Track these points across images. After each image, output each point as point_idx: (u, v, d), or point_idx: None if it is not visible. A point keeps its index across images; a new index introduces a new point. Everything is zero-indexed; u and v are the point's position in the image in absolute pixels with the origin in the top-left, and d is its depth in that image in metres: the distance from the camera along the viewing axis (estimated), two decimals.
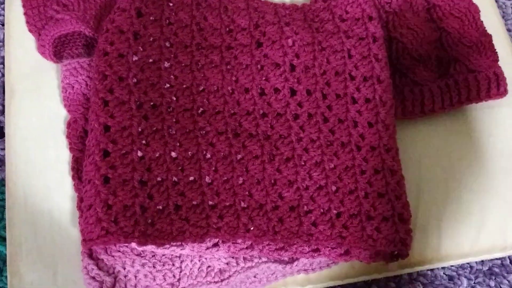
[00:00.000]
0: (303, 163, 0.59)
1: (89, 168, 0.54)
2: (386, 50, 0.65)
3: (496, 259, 0.66)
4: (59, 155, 0.62)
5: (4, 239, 0.60)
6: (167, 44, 0.61)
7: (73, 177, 0.59)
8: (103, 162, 0.53)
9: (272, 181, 0.58)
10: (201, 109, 0.60)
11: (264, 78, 0.62)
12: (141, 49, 0.59)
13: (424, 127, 0.68)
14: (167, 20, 0.62)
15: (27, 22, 0.66)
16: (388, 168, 0.60)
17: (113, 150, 0.54)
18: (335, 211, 0.58)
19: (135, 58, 0.59)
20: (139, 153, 0.55)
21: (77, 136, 0.60)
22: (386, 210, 0.58)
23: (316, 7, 0.67)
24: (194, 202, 0.55)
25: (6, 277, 0.58)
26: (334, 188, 0.59)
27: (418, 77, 0.65)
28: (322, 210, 0.58)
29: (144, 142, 0.56)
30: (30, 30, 0.65)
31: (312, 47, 0.63)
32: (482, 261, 0.66)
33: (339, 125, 0.61)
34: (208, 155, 0.58)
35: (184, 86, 0.60)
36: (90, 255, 0.55)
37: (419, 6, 0.68)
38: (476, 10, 0.68)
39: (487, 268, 0.66)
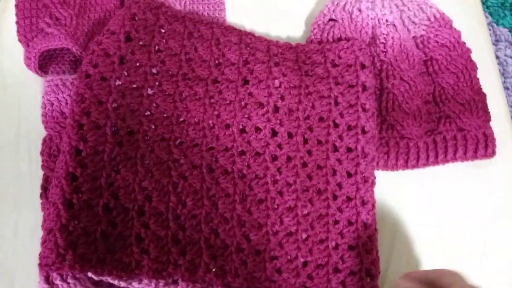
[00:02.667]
0: (275, 207, 0.58)
1: (55, 191, 0.53)
2: (375, 100, 0.63)
3: None
4: (33, 171, 0.61)
5: None
6: (154, 71, 0.61)
7: (41, 196, 0.58)
8: (69, 186, 0.52)
9: (241, 222, 0.57)
10: (178, 140, 0.59)
11: (246, 116, 0.61)
12: (126, 74, 0.59)
13: (406, 177, 0.66)
14: (156, 47, 0.61)
15: (18, 31, 0.65)
16: (362, 221, 0.58)
17: (81, 175, 0.53)
18: (302, 260, 0.56)
19: (118, 82, 0.58)
20: (108, 180, 0.54)
21: (51, 154, 0.59)
22: (354, 264, 0.57)
23: (310, 49, 0.66)
24: (158, 235, 0.54)
25: None
26: (304, 235, 0.57)
27: (405, 130, 0.64)
28: (289, 258, 0.56)
29: (115, 169, 0.55)
30: (19, 40, 0.65)
31: (299, 90, 0.62)
32: None
33: (317, 171, 0.60)
34: (179, 188, 0.56)
35: (165, 115, 0.59)
36: (47, 278, 0.53)
37: (416, 58, 0.67)
38: (473, 68, 0.67)
39: None
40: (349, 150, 0.60)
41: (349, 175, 0.60)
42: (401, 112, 0.64)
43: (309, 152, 0.60)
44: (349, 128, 0.61)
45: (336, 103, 0.62)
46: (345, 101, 0.62)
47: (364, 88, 0.62)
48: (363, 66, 0.63)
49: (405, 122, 0.64)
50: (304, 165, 0.60)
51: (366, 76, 0.63)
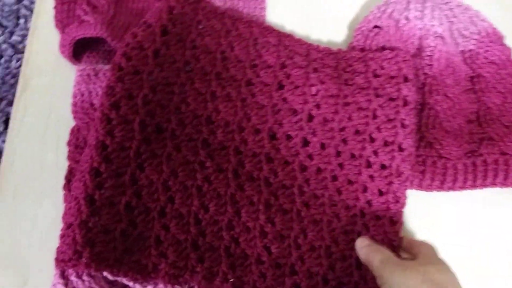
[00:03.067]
0: (300, 219, 0.56)
1: (77, 185, 0.52)
2: (416, 116, 0.60)
3: None
4: (58, 161, 0.60)
5: None
6: (187, 68, 0.59)
7: (64, 187, 0.57)
8: (92, 181, 0.51)
9: (264, 232, 0.55)
10: (206, 142, 0.57)
11: (278, 122, 0.59)
12: (159, 69, 0.57)
13: (438, 195, 0.62)
14: (192, 43, 0.60)
15: (55, 16, 0.64)
16: (389, 241, 0.56)
17: (105, 171, 0.52)
18: (322, 276, 0.54)
19: (150, 77, 0.56)
20: (132, 178, 0.53)
21: (77, 145, 0.58)
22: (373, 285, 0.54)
23: (351, 56, 0.63)
24: (177, 238, 0.52)
25: None
26: (327, 252, 0.55)
27: (444, 150, 0.60)
28: (309, 274, 0.54)
29: (140, 166, 0.54)
30: (56, 26, 0.64)
31: (336, 100, 0.60)
32: None
33: (347, 186, 0.57)
34: (203, 192, 0.55)
35: (194, 114, 0.57)
36: (62, 273, 0.53)
37: (462, 74, 0.64)
38: None
39: None
40: (383, 167, 0.58)
41: (381, 193, 0.57)
42: (442, 130, 0.61)
43: (340, 166, 0.58)
44: (386, 144, 0.58)
45: (375, 117, 0.59)
46: (384, 115, 0.59)
47: (405, 103, 0.59)
48: (406, 79, 0.60)
49: (444, 141, 0.60)
50: (334, 178, 0.58)
51: (409, 89, 0.59)
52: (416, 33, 0.64)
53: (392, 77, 0.60)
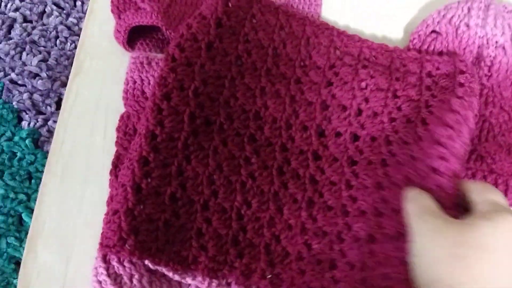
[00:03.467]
0: (345, 214, 0.55)
1: (125, 173, 0.52)
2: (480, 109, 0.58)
3: None
4: (105, 145, 0.61)
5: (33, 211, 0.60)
6: (238, 62, 0.58)
7: (111, 172, 0.58)
8: (140, 170, 0.52)
9: (305, 229, 0.54)
10: (252, 137, 0.56)
11: (326, 119, 0.58)
12: (211, 62, 0.57)
13: None
14: (246, 37, 0.59)
15: (112, 1, 0.65)
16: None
17: (153, 160, 0.52)
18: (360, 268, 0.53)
19: (202, 69, 0.56)
20: (178, 169, 0.53)
21: (126, 132, 0.59)
22: None
23: (407, 56, 0.61)
24: (218, 233, 0.53)
25: (24, 248, 0.58)
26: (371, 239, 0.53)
27: (496, 165, 0.58)
28: (349, 266, 0.53)
29: (186, 158, 0.54)
30: (112, 11, 0.64)
31: (385, 93, 0.58)
32: None
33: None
34: (246, 188, 0.55)
35: (243, 109, 0.57)
36: (105, 257, 0.54)
37: None
38: None
39: None
40: None
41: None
42: (495, 144, 0.59)
43: (391, 153, 0.56)
44: None
45: (427, 106, 0.57)
46: (437, 101, 0.57)
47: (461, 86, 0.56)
48: (461, 72, 0.58)
49: (497, 155, 0.59)
50: (385, 165, 0.56)
51: (465, 78, 0.57)
52: (476, 42, 0.62)
53: (447, 75, 0.59)
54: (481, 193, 0.41)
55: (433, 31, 0.64)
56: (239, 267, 0.52)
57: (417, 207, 0.42)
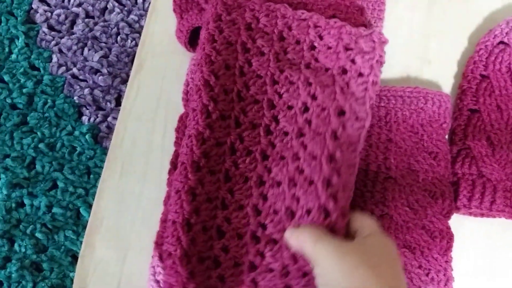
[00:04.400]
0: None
1: (179, 178, 0.52)
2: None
3: None
4: (164, 144, 0.61)
5: (91, 207, 0.61)
6: (274, 37, 0.57)
7: (169, 172, 0.58)
8: (194, 175, 0.52)
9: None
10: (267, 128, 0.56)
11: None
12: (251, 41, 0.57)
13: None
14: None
15: (174, 1, 0.65)
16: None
17: (204, 166, 0.53)
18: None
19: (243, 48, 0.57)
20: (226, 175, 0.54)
21: (184, 132, 0.59)
22: None
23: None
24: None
25: (81, 242, 0.59)
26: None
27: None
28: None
29: (232, 161, 0.54)
30: (174, 10, 0.65)
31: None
32: None
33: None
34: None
35: (255, 99, 0.57)
36: (161, 255, 0.54)
37: None
38: None
39: None
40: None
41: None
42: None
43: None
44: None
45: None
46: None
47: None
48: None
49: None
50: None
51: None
52: None
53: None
54: (360, 221, 0.49)
55: (501, 42, 0.62)
56: None
57: (312, 238, 0.46)
